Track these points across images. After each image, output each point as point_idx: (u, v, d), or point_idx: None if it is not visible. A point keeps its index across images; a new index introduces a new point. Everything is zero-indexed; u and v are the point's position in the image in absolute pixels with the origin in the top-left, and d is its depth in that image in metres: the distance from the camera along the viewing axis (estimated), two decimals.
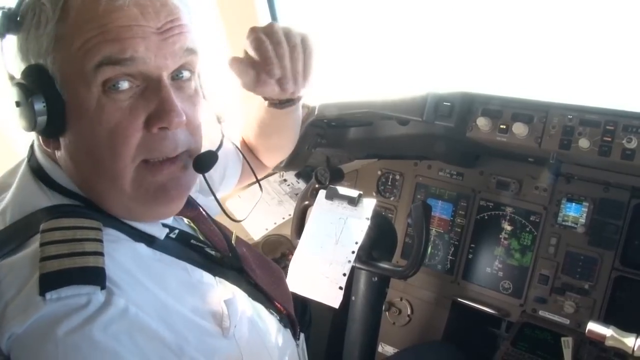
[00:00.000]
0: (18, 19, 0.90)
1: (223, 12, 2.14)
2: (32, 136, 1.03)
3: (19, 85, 0.90)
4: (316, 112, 2.22)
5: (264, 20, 2.21)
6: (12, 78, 0.93)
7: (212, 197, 1.22)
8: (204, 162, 1.03)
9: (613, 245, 1.80)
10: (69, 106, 0.91)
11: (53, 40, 0.88)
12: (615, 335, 1.43)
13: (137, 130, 0.91)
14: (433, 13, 2.31)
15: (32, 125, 0.90)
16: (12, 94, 0.92)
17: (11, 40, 0.92)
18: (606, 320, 1.52)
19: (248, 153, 1.60)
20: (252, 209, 1.38)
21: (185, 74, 0.97)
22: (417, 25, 2.37)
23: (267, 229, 2.33)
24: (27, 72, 0.91)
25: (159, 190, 0.98)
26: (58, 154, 0.97)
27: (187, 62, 0.96)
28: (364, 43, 2.53)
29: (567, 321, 1.85)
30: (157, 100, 0.91)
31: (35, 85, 0.89)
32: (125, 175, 0.94)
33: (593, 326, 1.47)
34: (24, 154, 1.07)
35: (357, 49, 2.56)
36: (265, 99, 1.33)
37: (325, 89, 2.56)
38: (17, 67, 0.93)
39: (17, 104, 0.91)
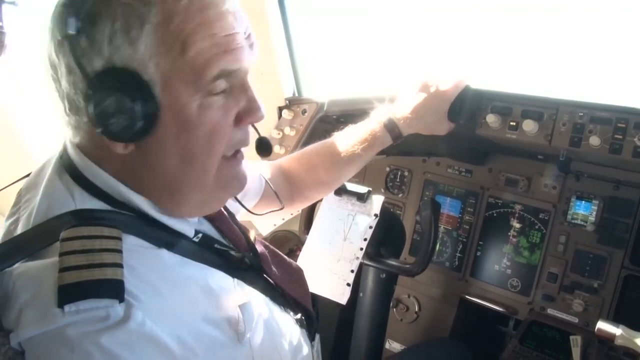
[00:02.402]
0: (89, 17, 0.86)
1: None
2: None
3: (114, 91, 0.87)
4: (325, 108, 2.23)
5: (273, 19, 2.21)
6: (87, 78, 0.87)
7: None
8: (265, 144, 1.15)
9: (623, 244, 1.79)
10: (165, 110, 0.91)
11: (154, 46, 0.87)
12: (625, 334, 1.42)
13: (230, 127, 0.98)
14: (443, 10, 2.31)
15: (127, 132, 0.89)
16: (98, 101, 0.87)
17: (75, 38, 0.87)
18: (615, 319, 1.51)
19: (286, 185, 1.68)
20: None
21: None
22: (427, 22, 2.36)
23: (275, 225, 2.33)
24: (115, 76, 0.87)
25: (234, 179, 1.06)
26: (120, 151, 0.94)
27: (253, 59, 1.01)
28: (373, 38, 2.52)
29: (575, 320, 1.84)
30: (245, 99, 0.98)
31: (135, 91, 0.88)
32: (212, 169, 1.00)
33: (602, 325, 1.46)
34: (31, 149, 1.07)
35: (366, 44, 2.56)
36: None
37: (334, 85, 2.56)
38: (86, 67, 0.87)
39: (107, 110, 0.87)
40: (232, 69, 0.93)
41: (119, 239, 0.91)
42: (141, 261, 0.94)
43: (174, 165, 0.97)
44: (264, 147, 1.19)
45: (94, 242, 0.88)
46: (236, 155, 1.04)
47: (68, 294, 0.83)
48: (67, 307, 0.82)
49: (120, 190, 0.99)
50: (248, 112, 0.99)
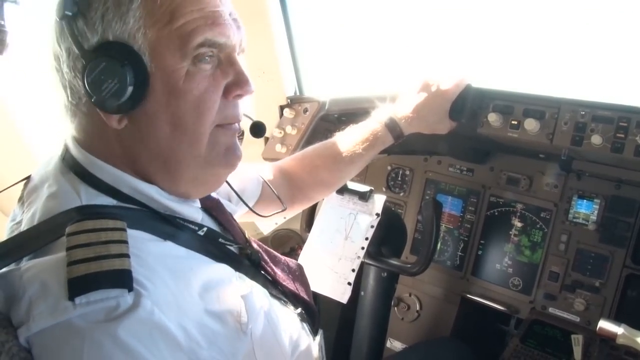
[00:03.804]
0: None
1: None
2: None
3: (106, 58, 0.92)
4: (326, 107, 2.23)
5: (275, 18, 2.21)
6: (84, 55, 0.92)
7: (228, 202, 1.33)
8: (260, 128, 1.17)
9: (624, 243, 1.79)
10: (155, 78, 0.95)
11: (142, 19, 0.92)
12: (627, 333, 1.42)
13: (219, 97, 1.02)
14: (444, 9, 2.30)
15: (120, 98, 0.93)
16: (91, 70, 0.92)
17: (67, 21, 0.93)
18: (616, 318, 1.51)
19: (287, 185, 1.68)
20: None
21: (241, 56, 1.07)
22: (429, 21, 2.36)
23: (276, 223, 2.34)
24: (108, 48, 0.93)
25: (228, 150, 1.08)
26: (115, 126, 0.98)
27: (242, 49, 1.06)
28: (374, 37, 2.52)
29: (577, 319, 1.84)
30: (233, 72, 1.03)
31: (125, 59, 0.92)
32: (204, 138, 1.02)
33: (604, 324, 1.46)
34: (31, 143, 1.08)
35: (367, 43, 2.56)
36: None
37: (335, 84, 2.56)
38: (83, 44, 0.93)
39: (100, 77, 0.92)
40: (218, 41, 0.98)
41: (124, 230, 0.93)
42: (147, 252, 0.96)
43: (166, 134, 0.99)
44: (257, 130, 1.22)
45: (99, 234, 0.90)
46: (230, 126, 1.07)
47: (78, 286, 0.83)
48: (77, 299, 0.82)
49: (127, 180, 1.01)
50: (237, 84, 1.03)
